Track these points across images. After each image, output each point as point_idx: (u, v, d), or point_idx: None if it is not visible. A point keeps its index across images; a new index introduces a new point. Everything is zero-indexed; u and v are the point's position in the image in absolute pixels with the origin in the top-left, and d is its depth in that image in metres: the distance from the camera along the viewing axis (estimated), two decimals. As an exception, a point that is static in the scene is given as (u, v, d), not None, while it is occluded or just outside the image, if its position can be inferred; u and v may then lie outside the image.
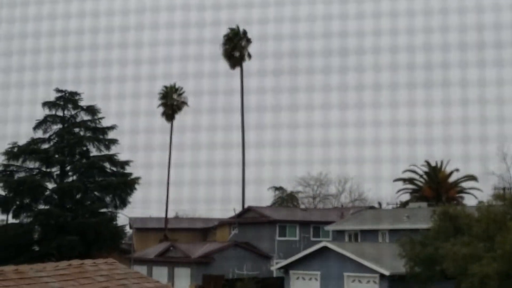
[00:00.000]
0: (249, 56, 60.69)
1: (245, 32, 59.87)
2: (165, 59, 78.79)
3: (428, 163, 58.32)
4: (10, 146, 49.87)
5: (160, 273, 45.92)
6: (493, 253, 26.87)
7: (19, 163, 50.29)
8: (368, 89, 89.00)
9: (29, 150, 49.68)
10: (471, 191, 59.33)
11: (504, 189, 43.17)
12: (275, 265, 45.56)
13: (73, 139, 50.36)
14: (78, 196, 50.72)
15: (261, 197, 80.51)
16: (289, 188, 72.45)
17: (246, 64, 61.37)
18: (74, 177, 51.30)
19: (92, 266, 10.28)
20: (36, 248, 48.92)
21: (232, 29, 59.75)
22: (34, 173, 50.82)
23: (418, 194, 59.20)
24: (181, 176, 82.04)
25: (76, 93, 51.09)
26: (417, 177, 60.75)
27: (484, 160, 73.71)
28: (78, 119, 51.71)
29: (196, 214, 74.84)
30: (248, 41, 60.32)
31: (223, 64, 61.61)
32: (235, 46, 60.06)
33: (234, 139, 64.27)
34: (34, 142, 50.43)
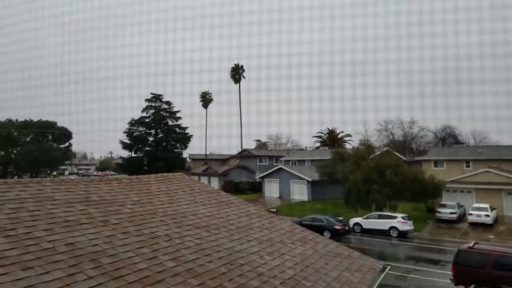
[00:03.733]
0: (244, 77, 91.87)
1: (242, 66, 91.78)
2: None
3: (329, 129, 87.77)
4: (132, 120, 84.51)
5: (203, 181, 47.92)
6: (360, 170, 33.56)
7: (136, 127, 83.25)
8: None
9: (140, 121, 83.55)
10: (349, 141, 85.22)
11: (364, 141, 56.52)
12: (258, 176, 59.46)
13: (159, 117, 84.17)
14: (164, 144, 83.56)
15: (251, 144, 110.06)
16: (263, 140, 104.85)
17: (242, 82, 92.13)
18: (161, 135, 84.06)
19: (173, 176, 12.78)
20: (145, 168, 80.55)
21: (236, 64, 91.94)
22: (143, 132, 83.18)
23: (324, 143, 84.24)
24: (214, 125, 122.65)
25: (160, 95, 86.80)
26: (323, 134, 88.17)
27: (356, 125, 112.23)
28: (162, 107, 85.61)
29: (219, 151, 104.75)
30: (243, 69, 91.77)
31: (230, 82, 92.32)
32: (236, 73, 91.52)
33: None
34: (142, 118, 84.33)
